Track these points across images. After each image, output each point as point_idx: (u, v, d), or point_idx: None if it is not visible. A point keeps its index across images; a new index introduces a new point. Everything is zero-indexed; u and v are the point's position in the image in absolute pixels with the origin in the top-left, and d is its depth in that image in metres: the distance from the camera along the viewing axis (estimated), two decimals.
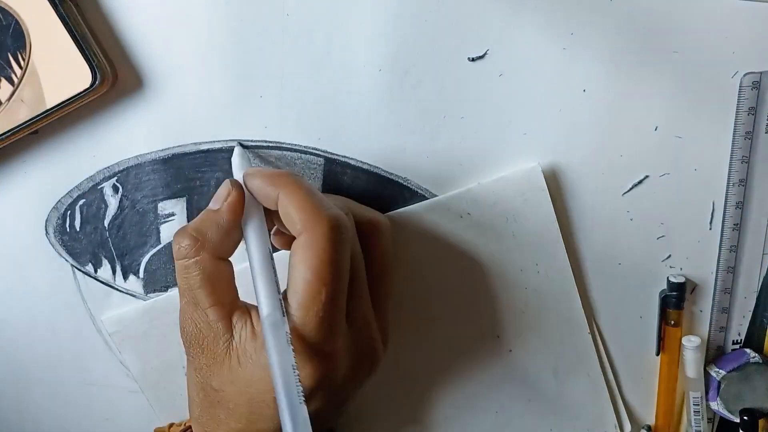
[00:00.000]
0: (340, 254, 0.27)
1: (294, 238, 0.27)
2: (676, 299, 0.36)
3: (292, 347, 0.25)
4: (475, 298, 0.36)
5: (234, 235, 0.29)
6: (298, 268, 0.26)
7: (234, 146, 0.34)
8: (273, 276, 0.28)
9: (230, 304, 0.29)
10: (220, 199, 0.29)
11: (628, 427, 0.38)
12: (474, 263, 0.36)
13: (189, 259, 0.28)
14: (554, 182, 0.35)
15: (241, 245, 0.30)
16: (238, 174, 0.32)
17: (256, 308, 0.28)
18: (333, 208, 0.28)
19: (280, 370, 0.25)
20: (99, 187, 0.35)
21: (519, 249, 0.35)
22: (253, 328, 0.28)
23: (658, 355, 0.37)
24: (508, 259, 0.35)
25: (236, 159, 0.33)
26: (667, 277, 0.36)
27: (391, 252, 0.32)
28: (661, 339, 0.37)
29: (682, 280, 0.36)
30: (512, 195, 0.34)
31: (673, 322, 0.36)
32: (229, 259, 0.30)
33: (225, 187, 0.29)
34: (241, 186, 0.29)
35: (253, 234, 0.29)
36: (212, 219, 0.29)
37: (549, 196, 0.34)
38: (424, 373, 0.37)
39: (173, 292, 0.37)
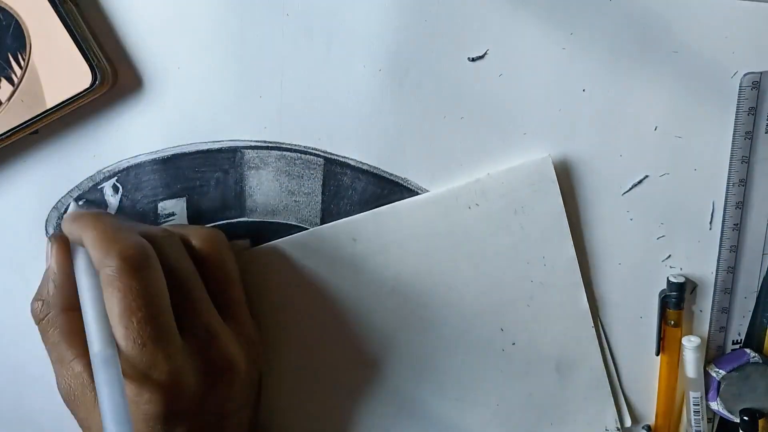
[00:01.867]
0: (140, 281, 0.27)
1: None
2: (676, 299, 0.36)
3: (122, 380, 0.26)
4: (480, 289, 0.36)
5: (70, 281, 0.30)
6: (108, 305, 0.27)
7: (72, 201, 0.35)
8: (103, 313, 0.28)
9: None
10: (47, 256, 0.31)
11: (628, 421, 0.38)
12: (481, 254, 0.35)
13: (42, 321, 0.30)
14: (564, 175, 0.35)
15: None
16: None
17: None
18: (127, 239, 0.28)
19: (109, 401, 0.25)
20: (99, 187, 0.35)
21: (526, 241, 0.35)
22: None
23: (658, 355, 0.37)
24: (515, 251, 0.35)
25: (68, 214, 0.33)
26: (667, 277, 0.36)
27: (230, 260, 0.33)
28: (661, 339, 0.37)
29: (681, 280, 0.36)
30: (521, 186, 0.34)
31: (672, 322, 0.36)
32: None
33: (48, 243, 0.31)
34: (61, 237, 0.31)
35: (81, 275, 0.29)
36: (47, 277, 0.31)
37: (558, 188, 0.34)
38: (426, 364, 0.37)
39: None
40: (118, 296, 0.27)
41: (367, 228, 0.35)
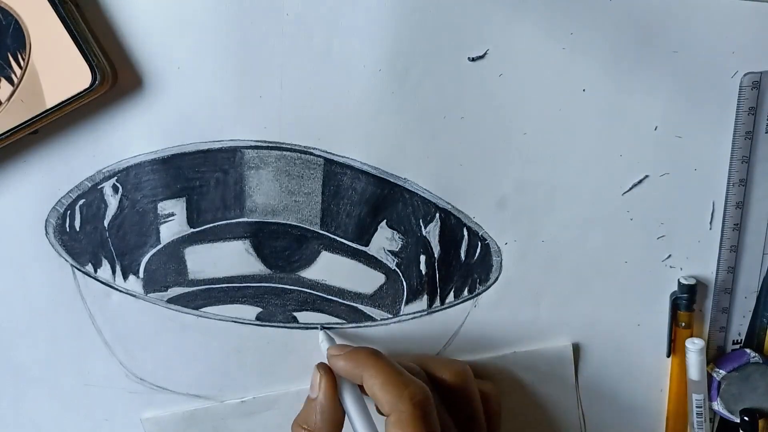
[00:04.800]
0: (429, 427, 0.29)
1: None
2: (687, 301, 0.36)
3: None
4: None
5: (337, 416, 0.32)
6: None
7: (319, 331, 0.37)
8: None
9: None
10: (315, 387, 0.33)
11: None
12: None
13: None
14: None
15: None
16: (324, 355, 0.34)
17: None
18: (413, 382, 0.30)
19: None
20: (99, 187, 0.35)
21: (540, 408, 0.39)
22: None
23: (669, 356, 0.37)
24: (527, 415, 0.39)
25: (322, 344, 0.35)
26: (678, 279, 0.36)
27: (477, 399, 0.34)
28: (671, 341, 0.37)
29: (692, 282, 0.36)
30: (542, 366, 0.38)
31: (683, 324, 0.36)
32: None
33: (316, 375, 0.33)
34: (330, 370, 0.33)
35: (354, 413, 0.32)
36: (313, 407, 0.32)
37: (573, 369, 0.38)
38: None
39: (210, 405, 0.38)
40: None
41: None
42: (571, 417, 0.39)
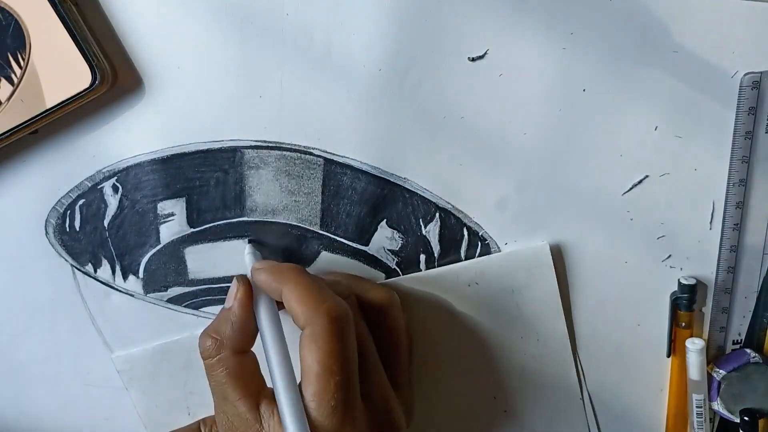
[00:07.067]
0: (343, 343, 0.28)
1: None
2: (687, 301, 0.36)
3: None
4: (476, 360, 0.38)
5: (249, 328, 0.31)
6: (307, 361, 0.28)
7: (246, 243, 0.35)
8: (288, 365, 0.30)
9: (257, 395, 0.30)
10: (231, 297, 0.32)
11: None
12: (478, 328, 0.37)
13: (212, 359, 0.31)
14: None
15: None
16: (248, 269, 0.33)
17: None
18: (332, 298, 0.29)
19: None
20: (99, 187, 0.35)
21: (521, 319, 0.37)
22: (278, 418, 0.29)
23: (669, 357, 0.37)
24: (510, 327, 0.37)
25: (247, 257, 0.34)
26: (678, 279, 0.36)
27: (402, 326, 0.34)
28: (671, 341, 0.37)
29: (693, 282, 0.36)
30: (519, 269, 0.36)
31: (684, 324, 0.36)
32: (252, 350, 0.32)
33: (234, 285, 0.32)
34: (248, 281, 0.32)
35: (267, 326, 0.31)
36: (226, 317, 0.31)
37: (554, 272, 0.36)
38: (419, 428, 0.38)
39: (182, 337, 0.37)
40: (321, 355, 0.28)
41: None
42: (557, 327, 0.37)
